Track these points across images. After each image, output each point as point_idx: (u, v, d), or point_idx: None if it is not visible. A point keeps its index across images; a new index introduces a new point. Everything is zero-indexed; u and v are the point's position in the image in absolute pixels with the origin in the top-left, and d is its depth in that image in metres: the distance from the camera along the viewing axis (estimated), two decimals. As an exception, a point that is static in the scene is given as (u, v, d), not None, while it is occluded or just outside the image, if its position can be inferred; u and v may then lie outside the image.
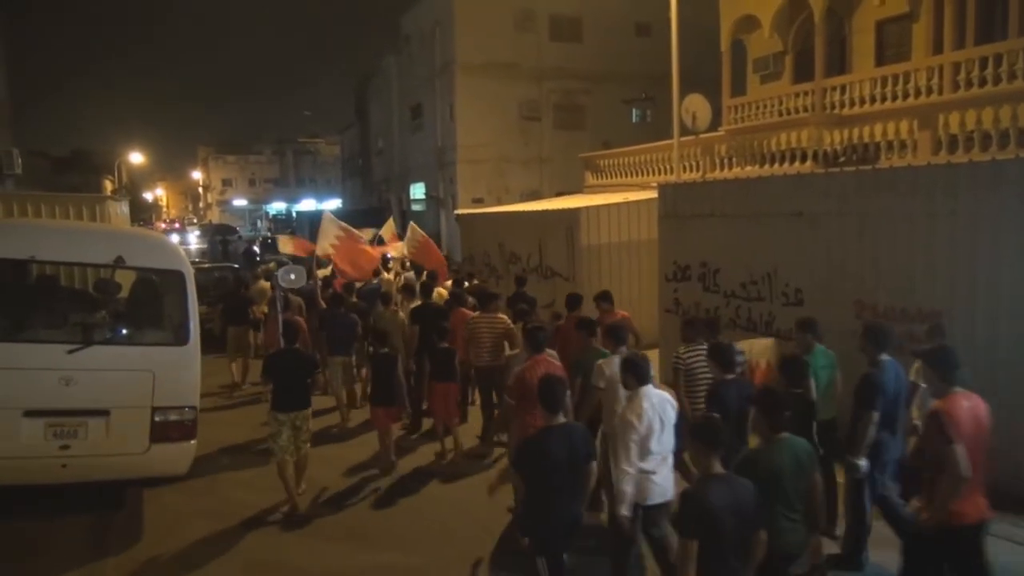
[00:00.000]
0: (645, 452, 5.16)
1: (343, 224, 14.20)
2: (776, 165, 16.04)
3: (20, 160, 28.68)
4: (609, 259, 14.04)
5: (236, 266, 19.60)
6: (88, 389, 6.51)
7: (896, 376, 5.82)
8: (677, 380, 6.93)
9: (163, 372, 6.74)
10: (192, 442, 6.93)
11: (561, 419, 5.01)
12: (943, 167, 8.19)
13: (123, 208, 15.19)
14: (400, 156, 40.14)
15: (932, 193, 7.62)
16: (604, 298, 9.04)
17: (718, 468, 4.14)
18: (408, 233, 15.42)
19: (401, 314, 10.24)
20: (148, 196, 79.70)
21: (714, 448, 4.13)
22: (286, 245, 18.65)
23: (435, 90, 32.53)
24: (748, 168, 16.69)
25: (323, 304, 11.46)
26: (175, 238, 33.04)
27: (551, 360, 6.77)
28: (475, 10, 29.62)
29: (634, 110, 31.42)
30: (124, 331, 7.30)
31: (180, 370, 6.85)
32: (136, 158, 57.71)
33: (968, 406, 4.69)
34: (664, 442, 5.27)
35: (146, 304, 7.68)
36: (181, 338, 6.96)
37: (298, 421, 7.33)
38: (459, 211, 23.56)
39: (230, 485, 8.13)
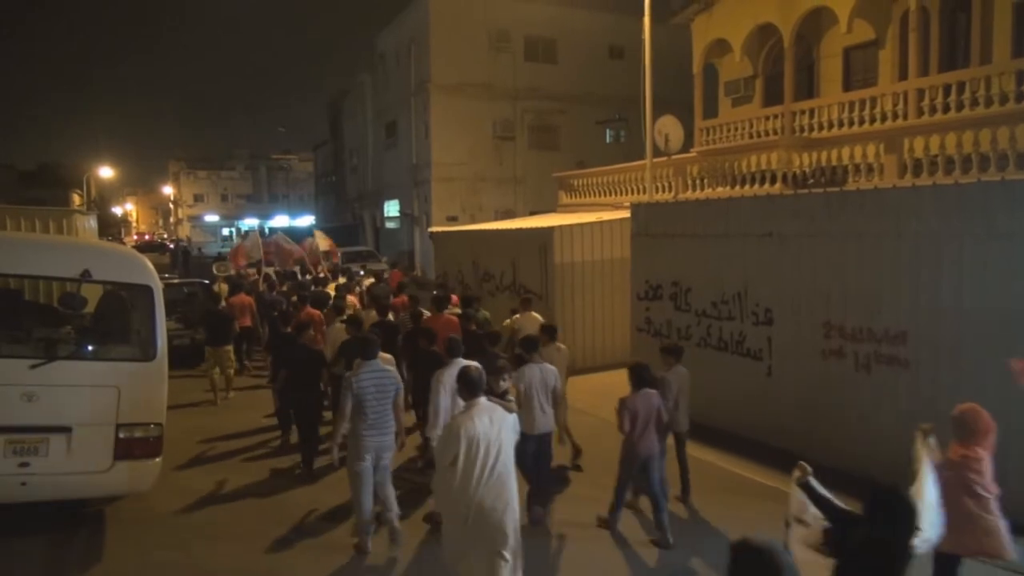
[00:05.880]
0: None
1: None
2: (747, 186, 16.26)
3: (-15, 173, 28.22)
4: (582, 277, 14.10)
5: (207, 281, 19.44)
6: (50, 405, 6.34)
7: None
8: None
9: (129, 388, 6.59)
10: (157, 459, 6.78)
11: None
12: (908, 190, 8.35)
13: (91, 222, 15.04)
14: (374, 173, 40.07)
15: (898, 215, 7.78)
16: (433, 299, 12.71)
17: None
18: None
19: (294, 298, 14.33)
20: (117, 210, 78.67)
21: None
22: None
23: (410, 108, 32.58)
24: (719, 189, 16.91)
25: (262, 288, 16.73)
26: None
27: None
28: (450, 30, 29.79)
29: (608, 131, 31.76)
30: (89, 346, 7.16)
31: (146, 386, 6.71)
32: (106, 172, 57.04)
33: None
34: None
35: (113, 319, 7.53)
36: (148, 354, 6.83)
37: (221, 353, 11.92)
38: (433, 229, 23.54)
39: (195, 503, 7.95)
